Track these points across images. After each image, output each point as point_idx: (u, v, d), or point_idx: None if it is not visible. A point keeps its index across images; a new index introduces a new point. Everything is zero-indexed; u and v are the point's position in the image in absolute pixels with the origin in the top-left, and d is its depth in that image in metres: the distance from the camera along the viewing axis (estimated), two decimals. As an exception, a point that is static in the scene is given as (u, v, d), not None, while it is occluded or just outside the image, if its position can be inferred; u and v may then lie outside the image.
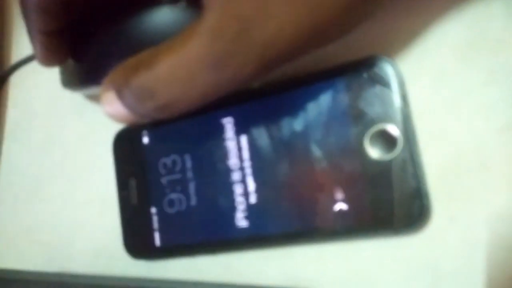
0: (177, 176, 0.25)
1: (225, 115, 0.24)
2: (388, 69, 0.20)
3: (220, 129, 0.24)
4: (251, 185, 0.23)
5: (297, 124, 0.22)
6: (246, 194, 0.23)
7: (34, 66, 0.32)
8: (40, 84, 0.33)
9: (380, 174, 0.20)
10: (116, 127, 0.27)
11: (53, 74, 0.30)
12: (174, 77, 0.18)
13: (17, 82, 0.34)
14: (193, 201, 0.24)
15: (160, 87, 0.18)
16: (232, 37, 0.16)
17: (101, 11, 0.23)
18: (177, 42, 0.18)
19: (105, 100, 0.20)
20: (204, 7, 0.17)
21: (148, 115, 0.20)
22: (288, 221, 0.22)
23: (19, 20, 0.34)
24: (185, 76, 0.17)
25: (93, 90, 0.26)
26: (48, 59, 0.23)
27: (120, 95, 0.19)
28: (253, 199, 0.23)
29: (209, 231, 0.24)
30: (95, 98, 0.29)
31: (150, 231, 0.25)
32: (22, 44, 0.34)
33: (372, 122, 0.20)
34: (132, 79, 0.18)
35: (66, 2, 0.21)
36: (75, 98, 0.30)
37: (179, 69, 0.17)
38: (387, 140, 0.20)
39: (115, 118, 0.20)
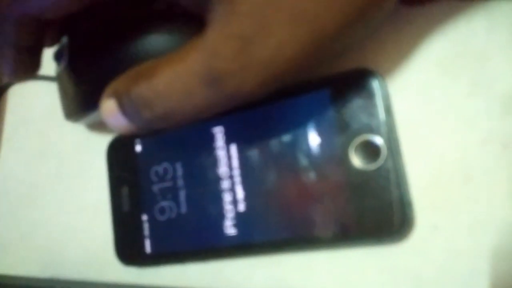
0: (168, 184, 0.25)
1: (216, 124, 0.24)
2: (373, 82, 0.21)
3: (211, 138, 0.24)
4: (240, 193, 0.23)
5: (285, 133, 0.22)
6: (235, 202, 0.23)
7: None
8: (37, 92, 0.33)
9: (364, 183, 0.21)
10: (110, 135, 0.28)
11: (51, 83, 0.31)
12: (171, 90, 0.18)
13: (15, 90, 0.35)
14: (183, 209, 0.25)
15: (158, 98, 0.18)
16: (231, 56, 0.17)
17: (99, 35, 0.23)
18: (177, 56, 0.18)
19: (105, 108, 0.20)
20: (205, 24, 0.17)
21: (145, 126, 0.20)
22: (275, 229, 0.22)
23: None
24: (181, 89, 0.18)
25: (97, 115, 0.26)
26: (17, 73, 0.22)
27: (120, 103, 0.20)
28: (241, 207, 0.23)
29: (199, 239, 0.24)
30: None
31: (141, 238, 0.26)
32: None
33: (357, 132, 0.21)
34: (132, 88, 0.19)
35: (47, 22, 0.21)
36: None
37: (176, 82, 0.18)
38: (372, 150, 0.21)
39: (114, 126, 0.21)
